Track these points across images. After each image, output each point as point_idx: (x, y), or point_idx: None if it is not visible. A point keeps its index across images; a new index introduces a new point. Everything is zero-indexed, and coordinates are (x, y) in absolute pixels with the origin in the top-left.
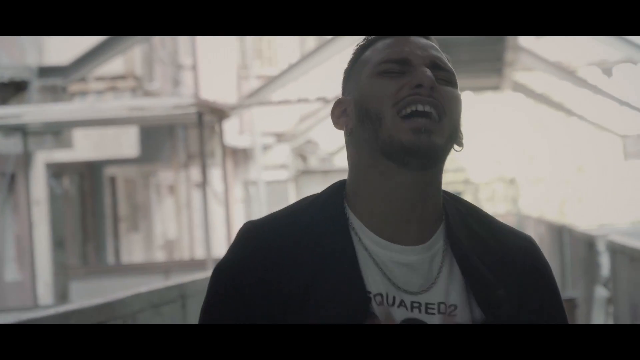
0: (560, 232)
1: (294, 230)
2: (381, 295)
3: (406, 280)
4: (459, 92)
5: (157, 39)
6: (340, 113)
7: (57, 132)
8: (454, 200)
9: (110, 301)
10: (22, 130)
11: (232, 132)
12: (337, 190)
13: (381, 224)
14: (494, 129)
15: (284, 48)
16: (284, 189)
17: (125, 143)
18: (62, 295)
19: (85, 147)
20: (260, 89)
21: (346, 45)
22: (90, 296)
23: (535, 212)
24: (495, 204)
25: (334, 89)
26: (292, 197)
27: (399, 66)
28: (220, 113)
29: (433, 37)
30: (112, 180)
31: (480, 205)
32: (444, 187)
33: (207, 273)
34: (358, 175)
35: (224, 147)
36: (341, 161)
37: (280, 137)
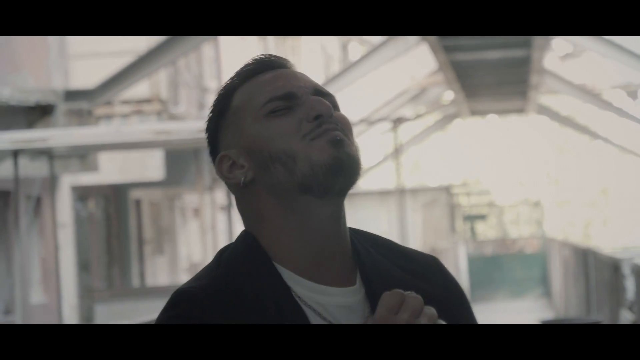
0: (585, 256)
1: (230, 298)
2: None
3: (349, 323)
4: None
5: (182, 63)
6: (229, 167)
7: (83, 155)
8: (354, 232)
9: (136, 323)
10: (48, 153)
11: None
12: (254, 245)
13: (310, 268)
14: (519, 151)
15: (308, 71)
16: None
17: (151, 166)
18: (87, 317)
19: (110, 170)
20: None
21: (371, 69)
22: (115, 319)
23: (560, 235)
24: (519, 227)
25: (359, 112)
26: None
27: (286, 102)
28: None
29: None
30: (137, 203)
31: (505, 228)
32: (469, 210)
33: None
34: (272, 224)
35: None
36: (364, 183)
37: None
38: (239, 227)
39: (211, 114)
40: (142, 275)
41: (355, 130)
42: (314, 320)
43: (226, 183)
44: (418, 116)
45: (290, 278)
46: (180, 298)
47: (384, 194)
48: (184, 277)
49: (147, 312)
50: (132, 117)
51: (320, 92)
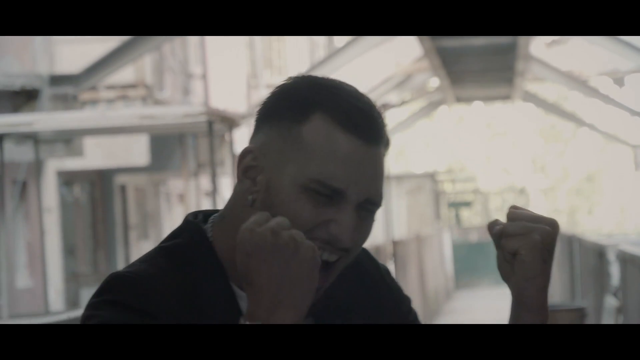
0: (570, 242)
1: (167, 288)
2: None
3: None
4: (374, 219)
5: (167, 48)
6: (248, 168)
7: (68, 140)
8: None
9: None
10: (33, 138)
11: (242, 141)
12: (208, 249)
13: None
14: (504, 138)
15: (294, 57)
16: None
17: (136, 151)
18: (73, 301)
19: (96, 155)
20: None
21: (356, 55)
22: None
23: None
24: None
25: None
26: None
27: (330, 194)
28: (230, 122)
29: (384, 143)
30: (123, 188)
31: (490, 215)
32: (454, 196)
33: None
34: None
35: (234, 156)
36: None
37: None
38: None
39: (283, 97)
40: (127, 260)
41: None
42: None
43: (237, 176)
44: (403, 103)
45: (236, 292)
46: (114, 282)
47: None
48: None
49: None
50: (117, 102)
51: (369, 201)
